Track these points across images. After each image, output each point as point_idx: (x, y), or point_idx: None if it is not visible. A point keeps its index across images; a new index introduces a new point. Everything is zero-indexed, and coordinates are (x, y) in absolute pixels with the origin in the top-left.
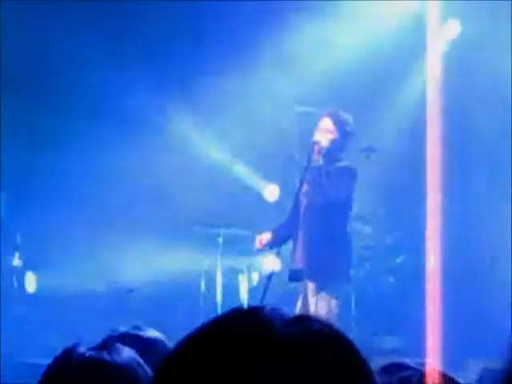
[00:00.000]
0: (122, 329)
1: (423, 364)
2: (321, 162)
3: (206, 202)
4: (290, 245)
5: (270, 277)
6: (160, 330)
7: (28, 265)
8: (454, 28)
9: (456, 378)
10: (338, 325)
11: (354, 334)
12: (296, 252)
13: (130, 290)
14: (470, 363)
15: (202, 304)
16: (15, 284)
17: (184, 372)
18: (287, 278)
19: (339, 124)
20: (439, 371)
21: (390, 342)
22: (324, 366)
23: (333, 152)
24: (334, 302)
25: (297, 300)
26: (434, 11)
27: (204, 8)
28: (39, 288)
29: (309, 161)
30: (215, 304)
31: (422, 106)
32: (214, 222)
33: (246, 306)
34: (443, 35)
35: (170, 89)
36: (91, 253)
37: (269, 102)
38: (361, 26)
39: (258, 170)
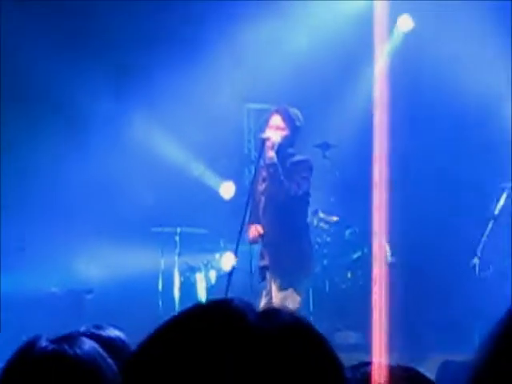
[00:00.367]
0: (83, 328)
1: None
2: (275, 158)
3: (163, 201)
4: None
5: (231, 273)
6: (119, 330)
7: None
8: (405, 23)
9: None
10: None
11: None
12: (261, 249)
13: (88, 291)
14: (430, 357)
15: (160, 303)
16: None
17: (158, 366)
18: (253, 276)
19: (288, 120)
20: (387, 365)
21: (352, 337)
22: (298, 359)
23: (285, 148)
24: (297, 299)
25: (260, 297)
26: (381, 7)
27: (160, 5)
28: None
29: (260, 157)
30: (173, 302)
31: (371, 101)
32: (170, 221)
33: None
34: (395, 30)
35: (126, 89)
36: (48, 254)
37: (221, 100)
38: (311, 22)
39: (212, 168)
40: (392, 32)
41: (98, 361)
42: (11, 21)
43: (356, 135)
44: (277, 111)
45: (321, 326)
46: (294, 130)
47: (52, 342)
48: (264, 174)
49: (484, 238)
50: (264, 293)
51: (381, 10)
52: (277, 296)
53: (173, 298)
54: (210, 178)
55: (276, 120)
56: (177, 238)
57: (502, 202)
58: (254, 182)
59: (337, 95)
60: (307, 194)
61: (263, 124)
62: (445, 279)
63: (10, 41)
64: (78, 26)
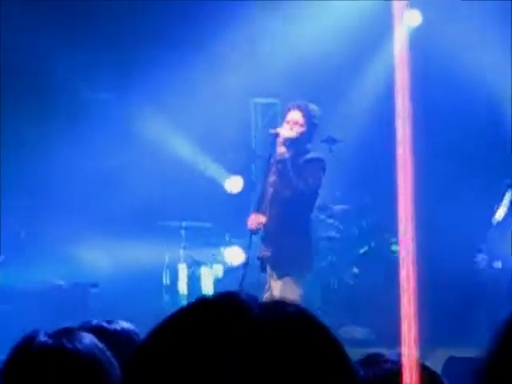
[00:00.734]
0: (95, 322)
1: (400, 355)
2: (288, 153)
3: (169, 194)
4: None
5: (246, 264)
6: (129, 323)
7: None
8: (414, 18)
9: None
10: None
11: None
12: (263, 241)
13: (94, 285)
14: (438, 352)
15: (165, 297)
16: None
17: (162, 360)
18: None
19: (308, 117)
20: (420, 364)
21: (358, 332)
22: (303, 350)
23: (301, 144)
24: (297, 292)
25: (264, 290)
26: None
27: (167, 4)
28: (1, 283)
29: (273, 151)
30: (178, 296)
31: (377, 96)
32: (176, 215)
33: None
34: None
35: (131, 82)
36: (53, 248)
37: (227, 94)
38: (318, 16)
39: (219, 162)
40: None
41: (97, 355)
42: (11, 16)
43: (362, 130)
44: (298, 106)
45: (328, 321)
46: (312, 126)
47: (50, 336)
48: (275, 167)
49: (490, 234)
50: (266, 286)
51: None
52: (275, 286)
53: (178, 292)
54: (216, 172)
55: (295, 115)
56: (182, 232)
57: (507, 198)
58: (266, 174)
59: (343, 90)
60: (315, 192)
61: (274, 118)
62: (453, 273)
63: (9, 36)
64: (79, 23)
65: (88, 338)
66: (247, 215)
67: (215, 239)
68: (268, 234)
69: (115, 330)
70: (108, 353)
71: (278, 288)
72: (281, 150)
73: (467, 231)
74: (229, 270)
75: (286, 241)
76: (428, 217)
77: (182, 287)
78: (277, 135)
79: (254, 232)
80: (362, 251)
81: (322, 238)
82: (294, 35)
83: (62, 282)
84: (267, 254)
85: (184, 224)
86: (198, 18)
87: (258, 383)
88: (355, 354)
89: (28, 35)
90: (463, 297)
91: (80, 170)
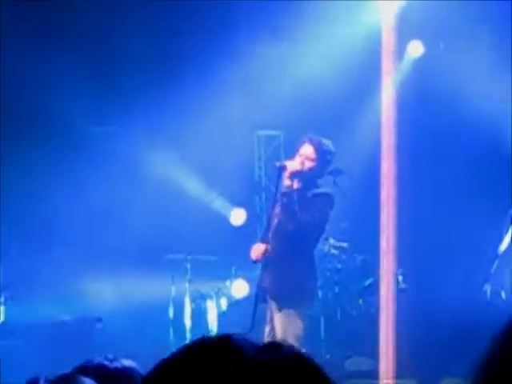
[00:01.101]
0: (98, 359)
1: None
2: (296, 186)
3: (174, 228)
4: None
5: (256, 299)
6: (130, 359)
7: None
8: (416, 49)
9: None
10: (307, 349)
11: (324, 359)
12: (263, 272)
13: (98, 319)
14: (444, 383)
15: (171, 331)
16: None
17: None
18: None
19: (321, 152)
20: None
21: (364, 364)
22: None
23: (311, 178)
24: (299, 324)
25: (265, 323)
26: (388, 34)
27: (166, 35)
28: (7, 318)
29: (279, 184)
30: (184, 330)
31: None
32: (181, 249)
33: (215, 332)
34: (405, 56)
35: (135, 116)
36: (58, 282)
37: (231, 127)
38: (321, 48)
39: (223, 194)
40: (402, 58)
41: None
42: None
43: (365, 161)
44: (310, 141)
45: (332, 354)
46: (324, 162)
47: (51, 383)
48: (281, 200)
49: (496, 264)
50: (267, 318)
51: (388, 37)
52: (277, 318)
53: (184, 326)
54: (220, 204)
55: (307, 150)
56: (188, 265)
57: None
58: (273, 205)
59: (346, 121)
60: (320, 226)
61: (277, 150)
62: (456, 304)
63: (7, 64)
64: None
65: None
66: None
67: (221, 272)
68: (269, 265)
69: (116, 369)
70: None
71: (280, 321)
72: (286, 182)
73: (472, 262)
74: (234, 304)
75: (287, 272)
76: (434, 247)
77: (188, 321)
78: (283, 168)
79: (255, 261)
80: (366, 283)
81: (326, 270)
82: (298, 66)
83: (67, 317)
84: (266, 285)
85: (189, 257)
86: (201, 50)
87: None
88: None
89: (27, 65)
90: (469, 328)
91: (84, 204)
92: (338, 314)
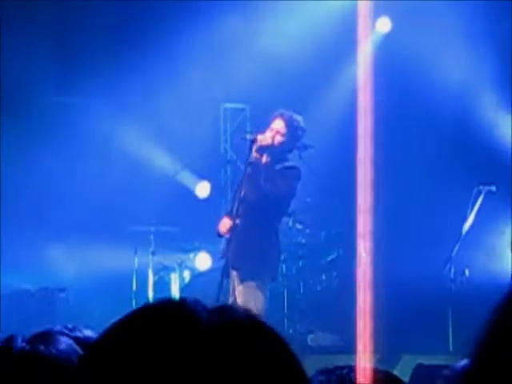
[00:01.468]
0: (57, 328)
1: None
2: (264, 160)
3: (138, 199)
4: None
5: (223, 272)
6: (92, 330)
7: None
8: (384, 25)
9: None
10: (269, 322)
11: (286, 333)
12: (228, 242)
13: (61, 290)
14: (406, 360)
15: (133, 302)
16: None
17: (108, 358)
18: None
19: (292, 127)
20: (371, 367)
21: (326, 339)
22: (251, 355)
23: (280, 153)
24: (261, 297)
25: (229, 294)
26: (364, 7)
27: (129, 7)
28: None
29: (248, 156)
30: (147, 302)
31: (349, 102)
32: (145, 220)
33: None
34: (374, 32)
35: (99, 88)
36: (21, 252)
37: (196, 100)
38: (291, 21)
39: (188, 167)
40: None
41: (74, 359)
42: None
43: (332, 136)
44: (281, 116)
45: (295, 329)
46: (295, 137)
47: (26, 341)
48: (248, 171)
49: (459, 243)
50: (230, 289)
51: (364, 10)
52: (239, 290)
53: (147, 298)
54: (185, 177)
55: (278, 124)
56: (151, 237)
57: (477, 205)
58: (242, 178)
59: (314, 95)
60: (284, 198)
61: (243, 123)
62: (420, 280)
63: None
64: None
65: (65, 343)
66: (216, 221)
67: (184, 245)
68: (234, 236)
69: (76, 338)
70: None
71: (242, 292)
72: (255, 155)
73: (438, 238)
74: (197, 276)
75: (251, 243)
76: (406, 225)
77: (151, 293)
78: (253, 141)
79: (220, 235)
80: (330, 258)
81: (291, 244)
82: (267, 38)
83: (29, 287)
84: (230, 254)
85: (153, 229)
86: (167, 20)
87: None
88: (324, 360)
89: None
90: (431, 305)
91: (46, 175)
92: (301, 288)
